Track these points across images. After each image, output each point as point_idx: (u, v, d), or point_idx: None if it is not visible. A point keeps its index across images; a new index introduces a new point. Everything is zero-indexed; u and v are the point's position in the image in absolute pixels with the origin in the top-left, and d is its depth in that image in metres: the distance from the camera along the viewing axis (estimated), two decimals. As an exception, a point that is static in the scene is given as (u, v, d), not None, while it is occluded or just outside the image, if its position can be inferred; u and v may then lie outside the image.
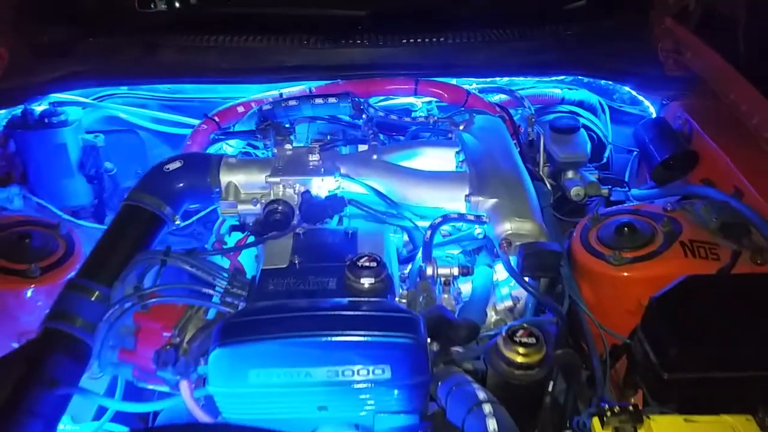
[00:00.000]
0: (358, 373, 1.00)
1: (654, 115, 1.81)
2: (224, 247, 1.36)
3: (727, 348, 1.07)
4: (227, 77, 1.74)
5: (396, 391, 1.02)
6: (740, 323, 1.10)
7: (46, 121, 1.69)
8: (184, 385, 1.06)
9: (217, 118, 1.70)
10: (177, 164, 1.37)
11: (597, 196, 1.53)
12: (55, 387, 1.07)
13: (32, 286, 1.26)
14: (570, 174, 1.59)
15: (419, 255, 1.27)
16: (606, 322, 1.27)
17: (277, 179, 1.33)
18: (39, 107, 1.74)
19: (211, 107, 1.78)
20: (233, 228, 1.39)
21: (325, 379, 1.01)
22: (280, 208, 1.30)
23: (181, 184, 1.35)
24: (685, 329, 1.08)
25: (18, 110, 1.71)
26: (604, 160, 1.77)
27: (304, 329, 1.01)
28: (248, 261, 1.35)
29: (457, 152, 1.44)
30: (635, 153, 1.75)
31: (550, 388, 1.16)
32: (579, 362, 1.19)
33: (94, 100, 1.83)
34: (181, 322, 1.10)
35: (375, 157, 1.42)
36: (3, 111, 1.72)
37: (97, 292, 1.17)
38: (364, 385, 1.01)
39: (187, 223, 1.64)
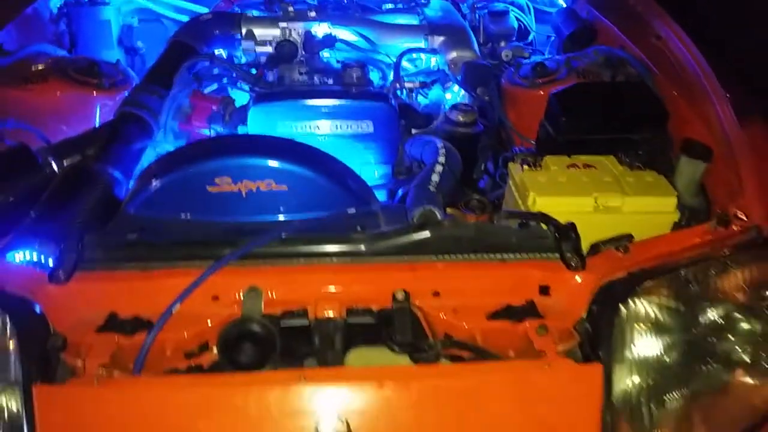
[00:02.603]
0: (350, 127, 1.38)
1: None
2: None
3: (599, 119, 1.47)
4: None
5: (376, 143, 1.40)
6: (597, 106, 1.49)
7: (95, 1, 2.01)
8: (227, 140, 1.41)
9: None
10: (209, 16, 1.72)
11: (521, 57, 1.93)
12: (131, 144, 1.41)
13: (102, 93, 1.58)
14: (502, 44, 1.98)
15: (390, 77, 1.65)
16: (525, 134, 1.67)
17: (285, 24, 1.69)
18: (87, -7, 2.06)
19: (224, -1, 2.12)
20: (248, 64, 1.74)
21: (329, 131, 1.37)
22: (288, 44, 1.66)
23: (215, 30, 1.70)
24: (572, 109, 1.47)
25: (71, -5, 2.03)
26: (529, 40, 2.17)
27: (314, 96, 1.38)
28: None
29: (418, 15, 1.82)
30: (552, 38, 2.16)
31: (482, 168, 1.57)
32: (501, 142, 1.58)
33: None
34: (223, 103, 1.46)
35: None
36: (59, -5, 2.03)
37: (158, 92, 1.51)
38: (354, 138, 1.39)
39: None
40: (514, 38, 1.99)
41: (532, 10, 2.21)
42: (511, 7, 2.14)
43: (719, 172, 1.33)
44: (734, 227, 1.15)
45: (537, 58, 1.93)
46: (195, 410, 0.87)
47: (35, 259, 1.07)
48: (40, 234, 1.08)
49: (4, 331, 0.90)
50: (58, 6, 2.00)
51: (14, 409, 0.89)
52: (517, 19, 2.09)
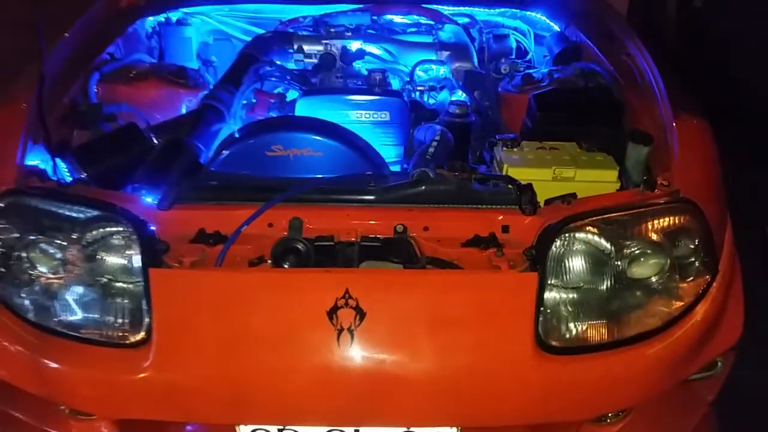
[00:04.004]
0: (372, 116, 1.74)
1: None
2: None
3: (567, 115, 1.78)
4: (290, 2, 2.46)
5: (391, 128, 1.75)
6: (567, 105, 1.80)
7: (180, 22, 2.43)
8: (283, 123, 1.79)
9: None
10: (270, 34, 2.13)
11: (515, 71, 2.26)
12: (210, 126, 1.80)
13: (187, 91, 1.97)
14: (502, 60, 2.32)
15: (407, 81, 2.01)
16: (515, 130, 2.00)
17: (327, 41, 2.07)
18: (175, 17, 2.48)
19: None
20: (300, 71, 2.13)
21: (355, 118, 1.73)
22: (328, 56, 2.04)
23: (273, 46, 2.10)
24: (545, 106, 1.77)
25: (162, 17, 2.45)
26: (527, 58, 2.50)
27: (345, 92, 1.75)
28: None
29: (432, 35, 2.19)
30: (548, 57, 2.48)
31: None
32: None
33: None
34: (278, 98, 1.84)
35: (383, 37, 2.17)
36: (151, 18, 2.45)
37: (230, 90, 1.90)
38: (375, 124, 1.75)
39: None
40: (512, 56, 2.33)
41: (531, 34, 2.54)
42: (512, 32, 2.48)
43: (659, 155, 1.63)
44: (658, 191, 1.45)
45: (527, 71, 2.27)
46: (254, 290, 1.23)
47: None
48: (149, 182, 1.46)
49: (130, 237, 1.27)
50: (152, 26, 2.43)
51: (137, 289, 1.26)
52: (517, 41, 2.43)
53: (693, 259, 1.38)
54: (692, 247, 1.37)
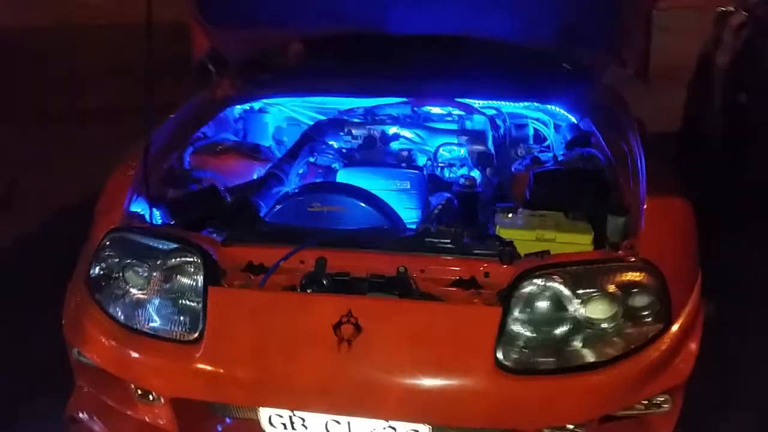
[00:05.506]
0: (396, 185, 2.10)
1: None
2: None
3: (560, 190, 2.06)
4: (350, 94, 2.93)
5: (411, 195, 2.10)
6: (560, 182, 2.08)
7: (261, 110, 2.95)
8: (327, 187, 2.18)
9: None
10: (326, 121, 2.58)
11: (529, 154, 2.56)
12: (271, 189, 2.22)
13: (259, 163, 2.43)
14: (520, 146, 2.64)
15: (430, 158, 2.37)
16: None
17: (371, 126, 2.49)
18: (257, 106, 3.01)
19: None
20: (348, 149, 2.54)
21: (383, 187, 2.10)
22: (371, 138, 2.45)
23: (329, 129, 2.54)
24: (542, 182, 2.08)
25: (247, 106, 2.97)
26: (546, 143, 2.79)
27: (376, 165, 2.13)
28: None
29: (456, 123, 2.57)
30: (564, 143, 2.77)
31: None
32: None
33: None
34: (324, 169, 2.25)
35: (416, 124, 2.57)
36: (238, 106, 2.99)
37: (290, 162, 2.33)
38: (398, 191, 2.10)
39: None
40: (529, 141, 2.65)
41: (551, 124, 2.86)
42: (533, 122, 2.81)
43: (636, 226, 1.86)
44: (621, 252, 1.69)
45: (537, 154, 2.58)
46: (281, 307, 1.57)
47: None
48: (220, 227, 1.87)
49: (198, 264, 1.66)
50: (239, 112, 2.97)
51: (196, 305, 1.63)
52: (537, 129, 2.75)
53: (647, 311, 1.59)
54: (647, 299, 1.59)
